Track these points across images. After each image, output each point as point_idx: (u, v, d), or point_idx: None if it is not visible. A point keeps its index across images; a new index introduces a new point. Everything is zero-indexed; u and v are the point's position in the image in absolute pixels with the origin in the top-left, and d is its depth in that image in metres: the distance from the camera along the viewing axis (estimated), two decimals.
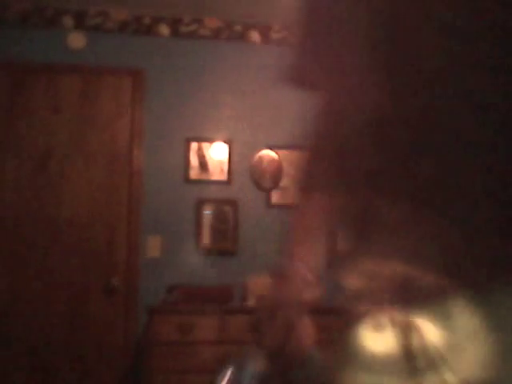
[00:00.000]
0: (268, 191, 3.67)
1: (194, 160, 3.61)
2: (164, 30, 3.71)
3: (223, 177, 3.63)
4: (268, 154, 3.70)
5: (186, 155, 3.61)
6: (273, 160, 3.70)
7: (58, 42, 3.58)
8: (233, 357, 0.99)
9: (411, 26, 0.67)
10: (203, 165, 3.62)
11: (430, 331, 0.61)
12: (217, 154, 3.65)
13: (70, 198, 3.47)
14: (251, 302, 3.18)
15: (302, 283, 0.97)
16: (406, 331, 0.62)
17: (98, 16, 3.64)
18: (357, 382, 0.66)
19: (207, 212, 3.56)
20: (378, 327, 0.66)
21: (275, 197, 3.67)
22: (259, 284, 3.26)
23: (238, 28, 3.80)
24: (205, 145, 3.64)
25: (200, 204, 3.56)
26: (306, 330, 1.06)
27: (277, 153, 3.71)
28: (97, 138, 3.55)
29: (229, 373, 0.96)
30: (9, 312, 3.32)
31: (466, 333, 0.61)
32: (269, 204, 3.66)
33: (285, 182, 3.70)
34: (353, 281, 0.76)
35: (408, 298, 0.64)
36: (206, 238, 3.53)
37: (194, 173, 3.60)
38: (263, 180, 3.67)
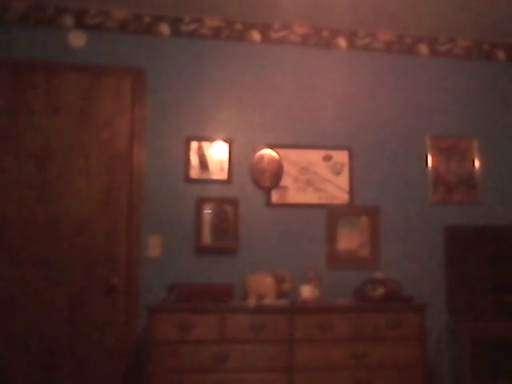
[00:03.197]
0: (268, 190, 3.67)
1: (194, 159, 3.61)
2: (164, 29, 3.72)
3: (223, 176, 3.63)
4: (268, 153, 3.70)
5: (187, 154, 3.61)
6: (273, 159, 3.70)
7: (59, 41, 3.58)
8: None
9: None
10: (203, 164, 3.62)
11: None
12: (217, 153, 3.65)
13: (70, 198, 3.47)
14: (251, 301, 3.17)
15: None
16: None
17: (98, 15, 3.64)
18: None
19: (207, 211, 3.55)
20: None
21: (275, 196, 3.67)
22: (259, 283, 3.25)
23: (239, 27, 3.80)
24: (205, 144, 3.64)
25: (200, 203, 3.56)
26: None
27: (277, 152, 3.71)
28: (97, 137, 3.55)
29: None
30: (9, 311, 3.32)
31: None
32: (269, 203, 3.66)
33: (285, 181, 3.70)
34: None
35: None
36: (207, 237, 3.53)
37: (195, 172, 3.60)
38: (263, 179, 3.67)
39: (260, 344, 3.05)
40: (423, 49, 4.03)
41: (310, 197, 3.71)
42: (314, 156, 3.76)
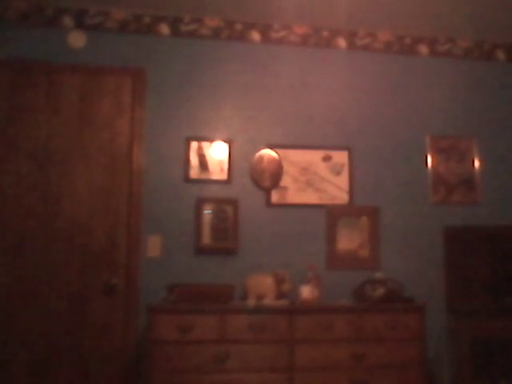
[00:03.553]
0: (268, 190, 3.67)
1: (194, 159, 3.61)
2: (164, 29, 3.72)
3: (223, 176, 3.63)
4: (268, 153, 3.70)
5: (186, 154, 3.61)
6: (273, 159, 3.70)
7: (58, 42, 3.58)
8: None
9: None
10: (203, 164, 3.62)
11: None
12: (217, 153, 3.65)
13: (70, 198, 3.47)
14: (251, 301, 3.17)
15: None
16: None
17: (98, 15, 3.64)
18: None
19: (207, 211, 3.55)
20: None
21: (275, 196, 3.67)
22: (259, 283, 3.25)
23: (239, 27, 3.80)
24: (205, 144, 3.64)
25: (200, 203, 3.56)
26: None
27: (277, 152, 3.71)
28: (97, 137, 3.55)
29: None
30: (8, 311, 3.32)
31: None
32: (269, 203, 3.66)
33: (285, 181, 3.70)
34: None
35: None
36: (206, 238, 3.53)
37: (194, 172, 3.60)
38: (263, 179, 3.67)
39: (260, 344, 3.05)
40: (423, 49, 4.03)
41: (310, 197, 3.71)
42: (314, 156, 3.76)
